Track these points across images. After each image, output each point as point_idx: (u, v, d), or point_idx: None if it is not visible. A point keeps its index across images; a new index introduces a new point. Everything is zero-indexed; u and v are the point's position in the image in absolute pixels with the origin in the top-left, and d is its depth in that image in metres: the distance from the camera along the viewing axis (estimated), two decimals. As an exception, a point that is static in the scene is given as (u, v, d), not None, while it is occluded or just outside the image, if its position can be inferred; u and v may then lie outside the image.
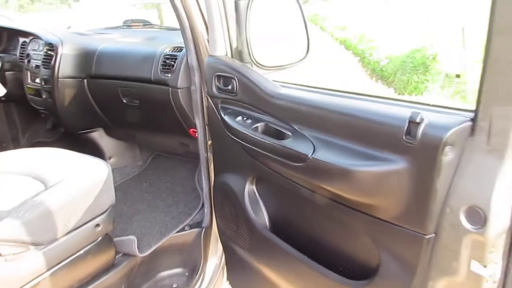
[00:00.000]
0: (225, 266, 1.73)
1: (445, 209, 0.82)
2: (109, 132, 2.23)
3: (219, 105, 1.39)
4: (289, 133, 1.12)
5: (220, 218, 1.57)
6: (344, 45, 10.96)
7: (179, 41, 1.86)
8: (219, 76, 1.37)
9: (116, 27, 2.47)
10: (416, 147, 0.82)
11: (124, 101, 1.89)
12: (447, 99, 5.89)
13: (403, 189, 0.86)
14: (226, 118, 1.34)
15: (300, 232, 1.22)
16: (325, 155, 1.00)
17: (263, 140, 1.18)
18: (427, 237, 0.85)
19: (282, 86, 1.23)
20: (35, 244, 1.29)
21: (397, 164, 0.86)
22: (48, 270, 1.34)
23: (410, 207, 0.87)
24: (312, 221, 1.18)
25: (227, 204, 1.48)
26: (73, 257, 1.41)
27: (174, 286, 1.75)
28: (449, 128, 0.78)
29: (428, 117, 0.82)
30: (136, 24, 2.47)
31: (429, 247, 0.86)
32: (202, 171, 1.67)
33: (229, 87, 1.34)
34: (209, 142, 1.59)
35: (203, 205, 1.79)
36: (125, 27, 2.46)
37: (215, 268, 1.76)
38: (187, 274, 1.79)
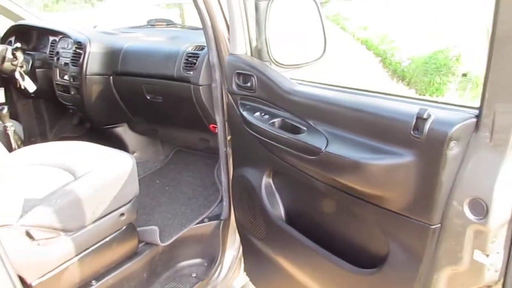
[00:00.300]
0: (242, 257, 1.79)
1: (450, 201, 0.86)
2: (132, 127, 2.32)
3: (239, 102, 1.45)
4: (304, 128, 1.18)
5: (238, 211, 1.63)
6: (365, 45, 10.89)
7: (201, 40, 1.93)
8: (238, 74, 1.43)
9: (140, 27, 2.56)
10: (423, 142, 0.87)
11: (148, 97, 1.97)
12: (469, 101, 5.82)
13: (411, 181, 0.91)
14: (245, 114, 1.40)
15: (314, 223, 1.28)
16: (337, 149, 1.05)
17: (279, 134, 1.23)
18: (432, 227, 0.89)
19: (299, 83, 1.29)
20: (65, 230, 1.38)
21: (405, 158, 0.91)
22: (76, 255, 1.42)
23: (417, 199, 0.91)
24: (325, 213, 1.23)
25: (245, 197, 1.54)
26: (99, 244, 1.49)
27: (193, 275, 1.82)
28: (454, 123, 0.83)
29: (434, 113, 0.86)
30: (160, 23, 2.55)
31: (434, 237, 0.90)
32: (221, 165, 1.74)
33: (248, 84, 1.40)
34: (229, 138, 1.66)
35: (222, 198, 1.85)
36: (149, 26, 2.54)
37: (233, 259, 1.83)
38: (205, 264, 1.85)
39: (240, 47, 1.44)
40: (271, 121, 1.29)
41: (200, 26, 2.43)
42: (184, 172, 2.24)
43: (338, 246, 1.18)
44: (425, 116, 0.86)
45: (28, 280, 1.31)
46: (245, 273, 1.79)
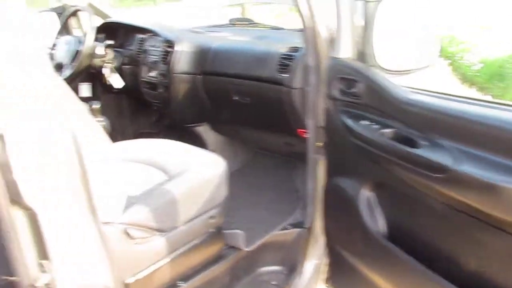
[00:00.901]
0: (323, 268, 1.72)
1: None
2: (214, 127, 2.30)
3: (340, 108, 1.38)
4: (424, 142, 1.08)
5: (328, 221, 1.56)
6: (433, 47, 10.41)
7: (291, 41, 1.88)
8: (341, 79, 1.36)
9: (222, 26, 2.55)
10: None
11: (235, 98, 1.94)
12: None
13: None
14: (348, 121, 1.33)
15: (425, 245, 1.18)
16: (469, 168, 0.95)
17: (393, 146, 1.15)
18: None
19: (412, 91, 1.20)
20: (159, 230, 1.37)
21: None
22: (167, 255, 1.42)
23: None
24: (443, 236, 1.13)
25: (339, 208, 1.47)
26: (188, 245, 1.49)
27: (272, 282, 1.77)
28: None
29: None
30: (241, 22, 2.53)
31: None
32: (309, 172, 1.68)
33: (353, 90, 1.32)
34: (319, 144, 1.59)
35: (305, 205, 1.79)
36: (230, 25, 2.52)
37: (314, 269, 1.76)
38: (285, 272, 1.80)
39: (344, 50, 1.37)
40: (382, 131, 1.21)
41: (282, 26, 2.40)
42: (263, 176, 2.20)
43: (457, 275, 1.07)
44: None
45: (123, 278, 1.32)
46: (327, 285, 1.73)
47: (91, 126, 1.27)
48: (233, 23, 2.56)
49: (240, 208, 1.96)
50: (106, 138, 1.34)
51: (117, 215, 1.28)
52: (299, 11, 1.46)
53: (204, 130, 2.30)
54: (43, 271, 0.90)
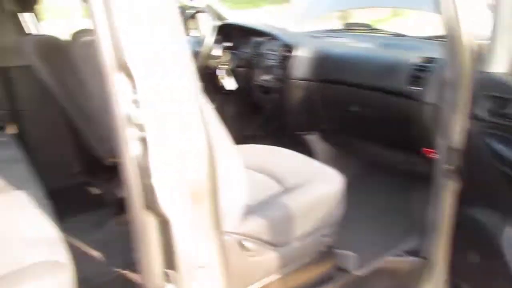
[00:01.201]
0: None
1: None
2: (324, 137, 2.19)
3: (487, 130, 1.21)
4: None
5: (456, 255, 1.38)
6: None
7: (421, 49, 1.72)
8: (492, 97, 1.19)
9: (337, 30, 2.42)
10: None
11: (354, 108, 1.82)
12: None
13: None
14: (499, 147, 1.15)
15: None
16: None
17: None
18: None
19: None
20: (272, 244, 1.31)
21: None
22: (277, 271, 1.35)
23: None
24: None
25: (473, 242, 1.29)
26: (299, 262, 1.40)
27: None
28: None
29: None
30: (360, 28, 2.39)
31: None
32: (434, 197, 1.50)
33: (508, 111, 1.14)
34: (450, 167, 1.41)
35: (424, 232, 1.61)
36: (347, 30, 2.39)
37: None
38: None
39: (498, 64, 1.20)
40: None
41: (403, 32, 2.20)
42: (375, 193, 2.05)
43: None
44: None
45: (232, 290, 1.27)
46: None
47: (219, 128, 1.25)
48: (350, 28, 2.43)
49: (349, 227, 1.83)
50: (231, 140, 1.30)
51: (235, 225, 1.24)
52: (441, 15, 1.31)
53: (313, 139, 2.20)
54: (168, 281, 0.87)
